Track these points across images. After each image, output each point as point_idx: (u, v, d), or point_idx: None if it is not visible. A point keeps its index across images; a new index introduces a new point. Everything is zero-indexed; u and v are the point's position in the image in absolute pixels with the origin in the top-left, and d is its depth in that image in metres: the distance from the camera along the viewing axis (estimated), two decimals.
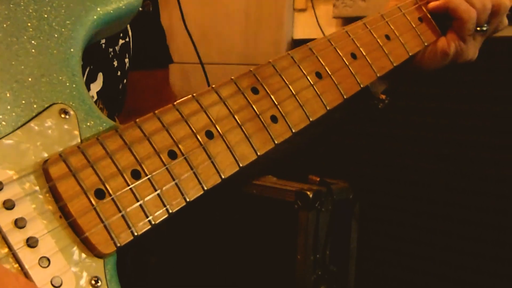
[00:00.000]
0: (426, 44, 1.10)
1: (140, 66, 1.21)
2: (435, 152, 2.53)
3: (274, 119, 0.82)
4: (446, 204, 2.51)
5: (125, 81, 1.15)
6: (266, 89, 0.83)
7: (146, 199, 0.68)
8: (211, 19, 3.16)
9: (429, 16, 1.13)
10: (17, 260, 0.60)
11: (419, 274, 2.59)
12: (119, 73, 1.12)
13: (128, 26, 1.13)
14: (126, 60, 1.14)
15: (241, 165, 0.77)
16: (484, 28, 1.15)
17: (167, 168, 0.71)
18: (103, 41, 1.05)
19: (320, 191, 2.40)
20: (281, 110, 0.83)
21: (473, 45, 1.17)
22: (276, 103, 0.83)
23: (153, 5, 1.30)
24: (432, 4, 1.15)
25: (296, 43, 2.94)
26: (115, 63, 1.10)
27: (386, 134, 2.64)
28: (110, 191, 0.66)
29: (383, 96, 1.15)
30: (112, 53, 1.08)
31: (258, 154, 0.79)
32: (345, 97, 0.92)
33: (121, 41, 1.12)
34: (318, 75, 0.90)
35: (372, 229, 2.67)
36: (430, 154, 2.55)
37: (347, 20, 2.78)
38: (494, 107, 2.35)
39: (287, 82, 0.85)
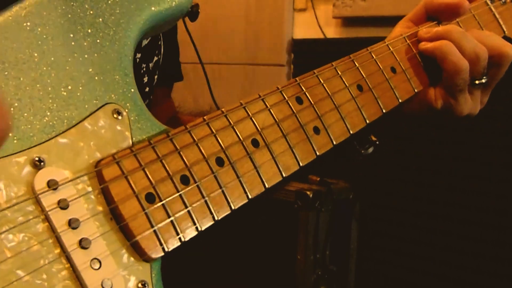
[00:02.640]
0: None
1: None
2: (435, 152, 2.54)
3: (316, 130, 0.83)
4: (446, 204, 2.52)
5: (151, 96, 1.15)
6: (310, 99, 0.84)
7: (194, 205, 0.69)
8: (211, 19, 3.15)
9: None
10: (69, 260, 0.61)
11: (419, 274, 2.60)
12: (147, 89, 1.11)
13: (162, 42, 1.13)
14: (155, 76, 1.14)
15: (284, 175, 0.77)
16: (483, 81, 0.98)
17: (215, 176, 0.71)
18: (138, 55, 1.05)
19: (320, 191, 2.40)
20: (323, 122, 0.84)
21: (468, 101, 0.98)
22: (319, 115, 0.84)
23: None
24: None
25: (296, 43, 2.94)
26: (145, 79, 1.10)
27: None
28: (161, 196, 0.67)
29: (374, 138, 1.06)
30: (144, 69, 1.08)
31: (301, 165, 0.79)
32: (384, 111, 0.92)
33: (155, 58, 1.11)
34: (359, 88, 0.90)
35: (372, 229, 2.67)
36: (430, 154, 2.55)
37: (347, 20, 2.78)
38: (495, 107, 2.35)
39: (330, 94, 0.86)
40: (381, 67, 0.94)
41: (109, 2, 0.72)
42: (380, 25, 2.55)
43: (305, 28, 2.92)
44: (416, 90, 0.96)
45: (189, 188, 0.69)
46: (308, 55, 2.86)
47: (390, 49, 0.96)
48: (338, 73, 0.89)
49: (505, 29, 1.11)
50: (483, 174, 2.43)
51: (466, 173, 2.47)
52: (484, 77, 0.98)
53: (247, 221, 2.46)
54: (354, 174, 2.63)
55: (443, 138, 2.51)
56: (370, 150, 1.05)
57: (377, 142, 1.05)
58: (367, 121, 0.89)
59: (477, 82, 0.97)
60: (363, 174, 2.67)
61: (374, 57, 0.94)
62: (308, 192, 2.37)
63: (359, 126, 0.88)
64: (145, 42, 1.07)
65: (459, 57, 0.93)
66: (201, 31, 3.03)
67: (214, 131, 0.73)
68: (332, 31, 2.83)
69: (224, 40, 3.13)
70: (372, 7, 2.63)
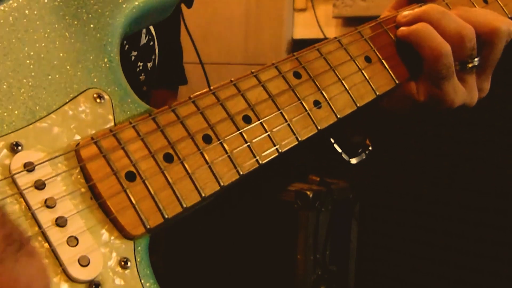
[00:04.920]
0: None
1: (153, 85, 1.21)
2: (436, 151, 2.54)
3: (317, 103, 0.78)
4: (446, 204, 2.51)
5: (150, 96, 1.16)
6: (309, 73, 0.79)
7: (177, 181, 0.67)
8: (211, 19, 3.16)
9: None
10: (46, 238, 0.61)
11: (419, 274, 2.60)
12: (144, 88, 1.11)
13: (156, 43, 1.13)
14: (153, 77, 1.15)
15: (280, 150, 0.74)
16: (476, 63, 0.86)
17: (201, 152, 0.69)
18: (134, 53, 1.05)
19: (320, 191, 2.40)
20: (325, 95, 0.79)
21: (458, 89, 0.86)
22: (320, 88, 0.79)
23: (175, 24, 1.28)
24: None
25: (296, 43, 2.95)
26: (142, 77, 1.10)
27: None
28: (142, 174, 0.66)
29: (369, 143, 0.97)
30: (141, 67, 1.08)
31: (300, 139, 0.75)
32: (397, 82, 0.85)
33: (152, 57, 1.12)
34: (368, 59, 0.85)
35: (372, 229, 2.67)
36: (430, 153, 2.55)
37: (347, 20, 2.79)
38: (495, 106, 2.35)
39: (332, 66, 0.81)
40: (393, 37, 0.87)
41: None
42: None
43: (305, 28, 2.93)
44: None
45: (173, 165, 0.67)
46: None
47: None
48: (342, 45, 0.84)
49: (506, 11, 0.98)
50: (483, 174, 2.43)
51: (466, 173, 2.47)
52: (476, 59, 0.86)
53: (247, 221, 2.46)
54: (354, 174, 2.63)
55: (443, 138, 2.51)
56: (363, 156, 0.97)
57: (370, 148, 0.97)
58: (377, 93, 0.83)
59: (469, 65, 0.86)
60: (363, 174, 2.67)
61: (385, 27, 0.88)
62: (308, 192, 2.38)
63: (367, 98, 0.82)
64: (143, 40, 1.08)
65: (438, 41, 0.82)
66: (201, 31, 3.04)
67: (200, 108, 0.71)
68: (332, 31, 2.83)
69: (224, 40, 3.13)
70: (372, 7, 2.63)
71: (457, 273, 2.49)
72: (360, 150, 0.97)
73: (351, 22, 2.77)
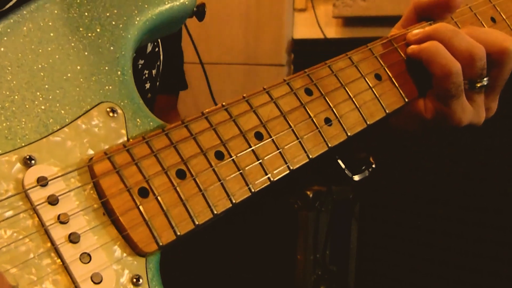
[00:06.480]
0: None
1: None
2: (435, 151, 2.53)
3: (328, 121, 0.79)
4: (446, 204, 2.51)
5: (154, 104, 1.16)
6: (321, 90, 0.80)
7: (190, 198, 0.67)
8: (211, 19, 3.15)
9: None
10: (59, 255, 0.61)
11: (419, 274, 2.60)
12: (149, 95, 1.11)
13: (161, 49, 1.13)
14: (157, 83, 1.14)
15: (291, 168, 0.74)
16: (485, 83, 0.86)
17: (213, 169, 0.69)
18: (141, 61, 1.05)
19: (320, 191, 2.40)
20: (336, 112, 0.80)
21: (466, 108, 0.87)
22: (331, 105, 0.80)
23: (178, 31, 1.28)
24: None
25: (296, 43, 2.94)
26: (147, 85, 1.10)
27: None
28: (154, 191, 0.66)
29: (372, 160, 1.00)
30: (146, 75, 1.08)
31: (310, 157, 0.76)
32: (406, 100, 0.86)
33: (156, 65, 1.12)
34: (378, 77, 0.85)
35: (372, 229, 2.67)
36: (430, 153, 2.55)
37: (347, 20, 2.78)
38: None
39: (343, 83, 0.82)
40: (403, 56, 0.88)
41: (106, 5, 0.73)
42: (380, 25, 2.54)
43: (305, 28, 2.92)
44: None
45: (185, 181, 0.67)
46: (308, 55, 2.85)
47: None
48: (353, 63, 0.84)
49: None
50: (483, 173, 2.43)
51: (466, 173, 2.47)
52: (485, 79, 0.86)
53: (247, 220, 2.46)
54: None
55: (443, 138, 2.51)
56: (365, 173, 0.99)
57: (374, 166, 0.99)
58: (387, 111, 0.84)
59: (478, 85, 0.86)
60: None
61: (395, 45, 0.89)
62: (308, 192, 2.37)
63: (377, 115, 0.83)
64: (149, 48, 1.08)
65: (448, 59, 0.83)
66: (201, 31, 3.03)
67: (213, 124, 0.71)
68: (332, 31, 2.82)
69: (224, 40, 3.13)
70: (372, 7, 2.63)
71: (457, 273, 2.49)
72: (363, 167, 0.98)
73: (351, 22, 2.77)
